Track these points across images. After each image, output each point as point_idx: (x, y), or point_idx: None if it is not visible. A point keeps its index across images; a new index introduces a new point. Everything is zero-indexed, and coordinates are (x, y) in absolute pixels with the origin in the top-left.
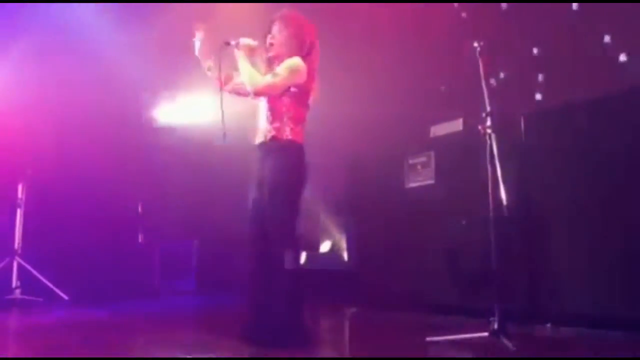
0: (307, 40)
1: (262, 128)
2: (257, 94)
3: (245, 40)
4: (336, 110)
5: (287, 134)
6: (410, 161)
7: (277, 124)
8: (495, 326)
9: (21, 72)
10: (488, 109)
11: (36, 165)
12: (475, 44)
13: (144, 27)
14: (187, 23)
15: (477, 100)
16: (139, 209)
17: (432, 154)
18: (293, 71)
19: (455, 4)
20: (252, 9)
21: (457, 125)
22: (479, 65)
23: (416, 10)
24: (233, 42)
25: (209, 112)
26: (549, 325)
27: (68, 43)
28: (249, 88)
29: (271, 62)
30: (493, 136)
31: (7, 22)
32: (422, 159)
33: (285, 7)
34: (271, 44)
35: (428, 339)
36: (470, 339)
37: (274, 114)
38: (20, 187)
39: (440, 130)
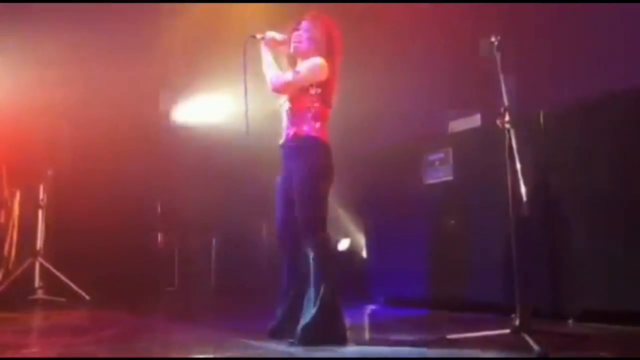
0: (333, 42)
1: (286, 128)
2: (275, 90)
3: (272, 34)
4: (354, 106)
5: (311, 132)
6: (429, 157)
7: (300, 124)
8: (517, 323)
9: (41, 73)
10: (506, 103)
11: (57, 166)
12: (493, 39)
13: (164, 26)
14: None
15: (494, 95)
16: (158, 209)
17: (451, 150)
18: (314, 70)
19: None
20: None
21: (475, 120)
22: (496, 60)
23: (434, 6)
24: (259, 36)
25: (228, 111)
26: (570, 321)
27: (87, 43)
28: (268, 83)
29: (295, 59)
30: (512, 131)
31: (28, 23)
32: (441, 155)
33: (313, 8)
34: (299, 42)
35: (448, 336)
36: (492, 336)
37: (297, 114)
38: (41, 188)
39: (458, 126)
